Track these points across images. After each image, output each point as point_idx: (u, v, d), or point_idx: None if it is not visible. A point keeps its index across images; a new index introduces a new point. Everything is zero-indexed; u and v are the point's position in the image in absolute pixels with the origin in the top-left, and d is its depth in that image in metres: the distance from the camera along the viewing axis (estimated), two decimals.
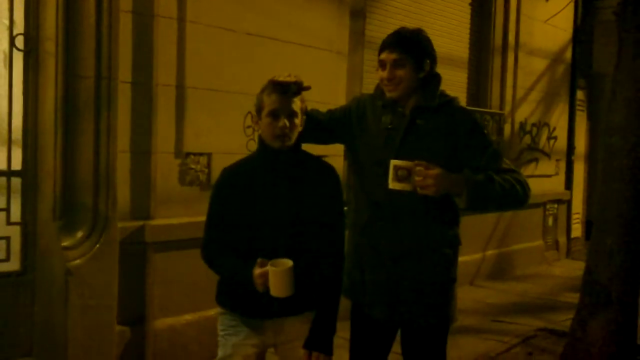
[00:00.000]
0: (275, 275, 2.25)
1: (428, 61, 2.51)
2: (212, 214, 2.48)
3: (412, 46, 2.49)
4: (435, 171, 2.32)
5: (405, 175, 2.34)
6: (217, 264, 2.46)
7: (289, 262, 2.27)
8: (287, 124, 2.34)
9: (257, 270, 2.28)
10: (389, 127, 2.53)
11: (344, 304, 2.58)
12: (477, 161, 2.47)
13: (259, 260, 2.30)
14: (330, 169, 2.54)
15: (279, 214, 2.39)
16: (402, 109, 2.53)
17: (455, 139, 2.49)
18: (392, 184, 2.36)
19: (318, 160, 2.56)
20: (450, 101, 2.58)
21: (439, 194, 2.36)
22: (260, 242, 2.38)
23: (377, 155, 2.51)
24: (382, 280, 2.55)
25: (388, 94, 2.53)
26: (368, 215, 2.59)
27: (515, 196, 2.47)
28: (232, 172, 2.49)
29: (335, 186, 2.51)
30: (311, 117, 2.58)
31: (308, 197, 2.43)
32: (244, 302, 2.42)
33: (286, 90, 2.36)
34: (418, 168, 2.33)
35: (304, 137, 2.53)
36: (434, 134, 2.49)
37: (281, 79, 2.37)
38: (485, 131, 2.64)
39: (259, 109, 2.40)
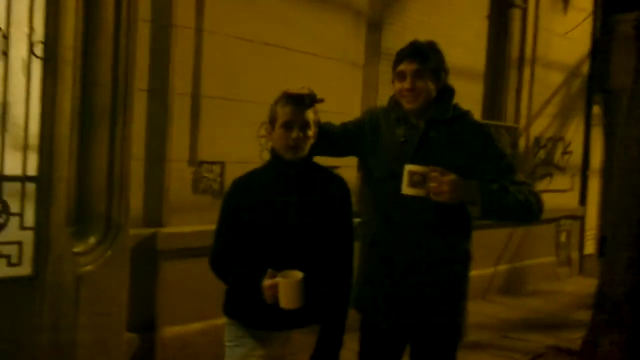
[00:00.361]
0: (285, 287, 2.24)
1: (444, 73, 2.53)
2: (222, 224, 2.48)
3: (430, 57, 2.49)
4: (450, 177, 2.31)
5: (420, 181, 2.32)
6: (225, 274, 2.46)
7: (299, 274, 2.26)
8: (300, 135, 2.36)
9: (267, 282, 2.28)
10: (403, 139, 2.52)
11: (354, 315, 2.57)
12: (491, 174, 2.46)
13: (269, 271, 2.30)
14: (340, 181, 2.54)
15: (288, 225, 2.39)
16: (416, 122, 2.53)
17: (469, 151, 2.48)
18: (406, 189, 2.34)
19: (329, 172, 2.56)
20: (464, 114, 2.58)
21: (453, 201, 2.35)
22: (269, 253, 2.38)
23: (390, 168, 2.49)
24: (391, 293, 2.53)
25: (407, 105, 2.51)
26: (378, 227, 2.58)
27: (528, 208, 2.45)
28: (243, 183, 2.49)
29: (345, 198, 2.52)
30: (325, 129, 2.58)
31: (318, 209, 2.43)
32: (251, 313, 2.42)
33: (300, 102, 2.37)
34: (433, 174, 2.31)
35: (317, 149, 2.53)
36: (447, 147, 2.48)
37: (295, 91, 2.38)
38: (500, 144, 2.62)
39: (273, 120, 2.41)
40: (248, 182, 2.49)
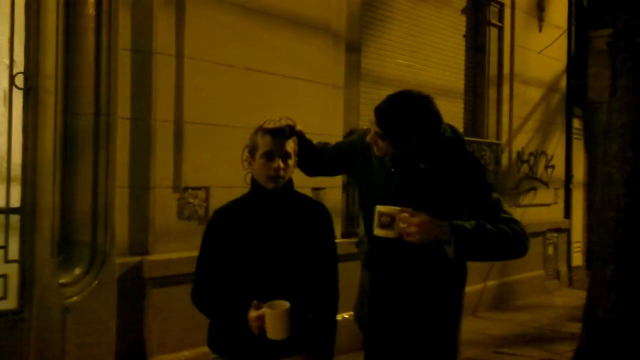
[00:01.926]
0: (272, 317, 2.22)
1: (414, 141, 2.38)
2: (204, 256, 2.46)
3: (390, 127, 2.37)
4: (419, 218, 2.23)
5: (388, 222, 2.27)
6: (209, 309, 2.43)
7: (286, 304, 2.24)
8: (282, 165, 2.36)
9: (253, 313, 2.25)
10: (391, 169, 2.49)
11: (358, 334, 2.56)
12: (475, 208, 2.38)
13: (254, 302, 2.28)
14: (321, 209, 2.54)
15: (271, 255, 2.38)
16: (403, 152, 2.45)
17: (456, 184, 2.41)
18: (377, 231, 2.30)
19: (310, 200, 2.57)
20: (454, 144, 2.47)
21: (424, 242, 2.27)
22: (252, 284, 2.36)
23: (378, 196, 2.47)
24: (383, 315, 2.53)
25: (375, 152, 2.48)
26: (370, 248, 2.59)
27: (509, 247, 2.34)
28: (224, 214, 2.48)
29: (326, 226, 2.51)
30: (319, 149, 2.61)
31: (300, 238, 2.42)
32: (236, 345, 2.39)
33: (280, 134, 2.38)
34: (402, 215, 2.25)
35: (312, 169, 2.56)
36: (434, 178, 2.42)
37: (271, 125, 2.39)
38: (488, 178, 2.53)
39: (253, 150, 2.42)
40: (229, 213, 2.48)
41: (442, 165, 2.43)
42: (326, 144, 2.78)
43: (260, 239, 2.39)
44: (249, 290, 2.33)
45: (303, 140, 2.62)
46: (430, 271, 2.47)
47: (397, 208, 2.27)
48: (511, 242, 2.33)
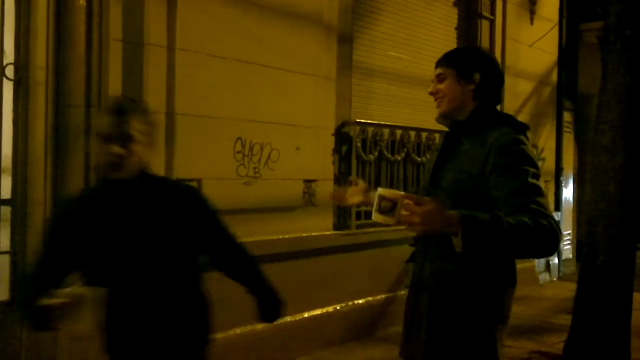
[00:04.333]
0: (66, 304, 1.91)
1: (477, 74, 2.32)
2: (43, 245, 2.18)
3: (453, 59, 2.39)
4: (424, 208, 1.92)
5: (388, 208, 2.00)
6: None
7: (84, 289, 2.00)
8: (122, 150, 2.02)
9: (48, 301, 1.90)
10: (438, 149, 2.44)
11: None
12: (499, 190, 2.11)
13: (51, 291, 1.95)
14: (187, 190, 2.34)
15: (126, 250, 2.10)
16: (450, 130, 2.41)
17: (486, 160, 2.18)
18: (375, 215, 2.04)
19: (172, 183, 2.43)
20: (506, 122, 2.29)
21: (428, 233, 2.10)
22: (107, 279, 2.11)
23: (424, 180, 2.43)
24: (409, 311, 2.45)
25: (437, 110, 2.41)
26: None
27: (530, 243, 2.01)
28: (68, 202, 2.24)
29: (197, 204, 2.26)
30: None
31: (163, 226, 2.14)
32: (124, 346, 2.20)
33: (119, 111, 2.06)
34: (406, 201, 1.97)
35: None
36: (469, 155, 2.25)
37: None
38: (528, 161, 2.16)
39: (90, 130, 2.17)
40: (73, 201, 2.22)
41: (481, 141, 2.23)
42: None
43: (110, 232, 2.10)
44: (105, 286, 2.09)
45: None
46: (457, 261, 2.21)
47: (401, 193, 2.01)
48: (533, 238, 2.01)
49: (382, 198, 2.02)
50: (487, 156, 2.17)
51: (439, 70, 2.39)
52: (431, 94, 2.40)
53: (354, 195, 2.64)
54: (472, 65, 2.34)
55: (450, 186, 2.26)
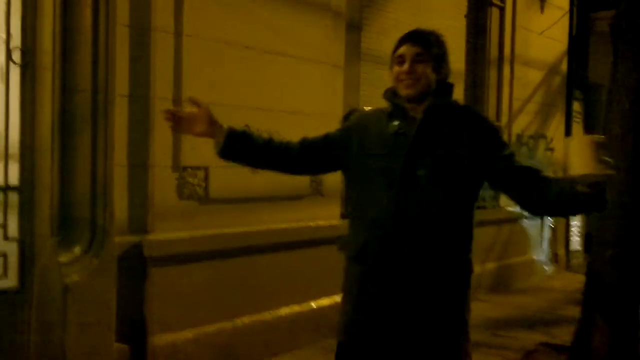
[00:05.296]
0: None
1: (445, 65, 2.39)
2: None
3: (432, 43, 2.37)
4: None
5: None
6: None
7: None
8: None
9: None
10: (399, 131, 2.33)
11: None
12: (503, 161, 2.34)
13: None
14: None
15: None
16: (414, 113, 2.35)
17: (474, 142, 2.32)
18: (593, 166, 2.01)
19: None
20: (467, 106, 2.51)
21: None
22: None
23: (382, 164, 2.32)
24: (380, 314, 2.31)
25: (405, 91, 2.32)
26: (365, 237, 2.34)
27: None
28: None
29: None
30: (306, 143, 2.49)
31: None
32: None
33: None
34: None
35: (300, 168, 2.47)
36: (449, 137, 2.31)
37: None
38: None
39: None
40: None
41: (457, 124, 2.35)
42: (304, 138, 2.54)
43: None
44: None
45: (248, 138, 2.51)
46: (444, 248, 2.31)
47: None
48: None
49: (599, 145, 1.97)
50: (474, 138, 2.32)
51: (418, 50, 2.33)
52: (407, 73, 2.32)
53: (196, 122, 2.44)
54: (444, 55, 2.41)
55: (437, 171, 2.28)
